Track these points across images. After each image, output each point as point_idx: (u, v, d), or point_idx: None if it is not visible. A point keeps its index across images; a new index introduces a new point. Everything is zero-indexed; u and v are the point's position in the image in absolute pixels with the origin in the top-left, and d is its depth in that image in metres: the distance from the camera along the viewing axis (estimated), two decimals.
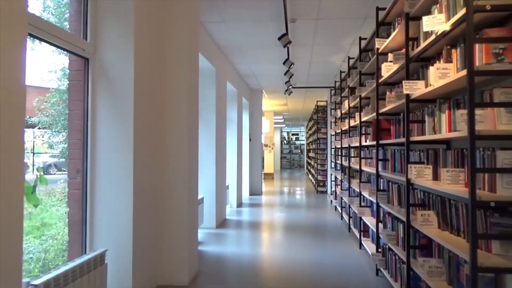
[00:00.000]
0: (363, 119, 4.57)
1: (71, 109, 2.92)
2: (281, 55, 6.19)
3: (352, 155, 5.82)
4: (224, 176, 6.73)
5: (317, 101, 11.03)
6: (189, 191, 3.66)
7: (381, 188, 3.82)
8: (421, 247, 2.77)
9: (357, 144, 5.10)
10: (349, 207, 5.71)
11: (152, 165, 3.34)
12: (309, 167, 16.71)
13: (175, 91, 3.60)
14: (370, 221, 4.36)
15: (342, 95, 6.62)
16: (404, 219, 2.88)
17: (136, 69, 2.96)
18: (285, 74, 6.74)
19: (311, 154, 14.74)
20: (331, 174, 8.48)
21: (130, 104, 2.91)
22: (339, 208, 7.20)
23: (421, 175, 2.62)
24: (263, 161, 16.56)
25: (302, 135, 25.75)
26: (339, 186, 7.66)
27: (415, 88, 2.70)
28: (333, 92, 8.72)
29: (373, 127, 3.79)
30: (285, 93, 9.49)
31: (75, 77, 2.92)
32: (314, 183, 12.27)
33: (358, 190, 4.78)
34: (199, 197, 5.53)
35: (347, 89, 5.85)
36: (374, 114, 3.90)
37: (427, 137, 2.60)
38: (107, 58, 2.91)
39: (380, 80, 3.74)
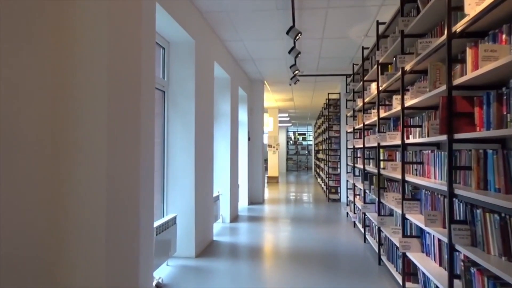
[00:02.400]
0: (410, 103, 2.98)
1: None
2: (285, 28, 4.61)
3: (383, 158, 4.22)
4: (211, 185, 5.17)
5: (328, 94, 9.43)
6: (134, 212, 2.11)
7: (459, 219, 2.22)
8: None
9: (395, 142, 3.51)
10: (379, 230, 4.11)
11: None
12: (317, 170, 15.09)
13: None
14: (423, 262, 2.76)
15: (366, 78, 5.03)
16: None
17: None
18: (289, 52, 5.15)
19: (320, 156, 13.12)
20: (347, 181, 6.90)
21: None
22: (359, 226, 5.60)
23: None
24: (266, 163, 15.00)
25: (309, 135, 24.12)
26: (358, 197, 6.06)
27: None
28: (349, 80, 7.10)
29: (442, 110, 2.19)
30: (290, 83, 7.90)
31: None
32: (325, 189, 10.65)
33: (400, 212, 3.18)
34: (169, 217, 3.97)
35: (375, 66, 4.26)
36: (442, 89, 2.30)
37: None
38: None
39: (457, 29, 2.13)
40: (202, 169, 4.64)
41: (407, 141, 3.18)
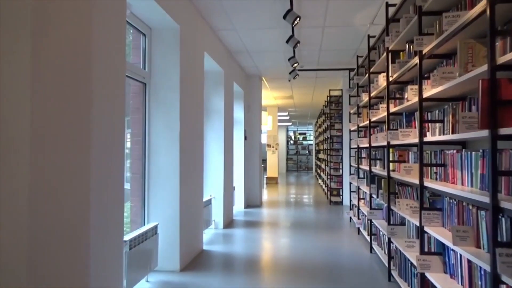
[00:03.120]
0: (430, 93, 2.47)
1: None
2: (282, 14, 4.11)
3: (393, 159, 3.71)
4: (200, 188, 4.66)
5: (329, 91, 8.92)
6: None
7: (505, 240, 1.71)
8: None
9: (409, 140, 3.00)
10: (389, 241, 3.60)
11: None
12: (318, 171, 14.58)
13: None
14: (447, 286, 2.26)
15: (372, 70, 4.52)
16: None
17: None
18: (287, 41, 4.65)
19: (321, 156, 12.61)
20: (350, 183, 6.40)
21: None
22: (364, 233, 5.09)
23: None
24: (265, 163, 14.50)
25: (310, 135, 23.61)
26: (363, 201, 5.55)
27: None
28: (353, 74, 6.59)
29: (482, 98, 1.68)
30: (289, 79, 7.40)
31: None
32: (326, 190, 10.14)
33: (417, 223, 2.67)
34: (148, 227, 3.46)
35: (384, 55, 3.74)
36: (480, 70, 1.79)
37: None
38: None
39: None
40: (189, 171, 4.14)
41: (426, 139, 2.67)
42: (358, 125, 5.54)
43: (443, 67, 2.35)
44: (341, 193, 8.60)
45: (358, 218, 5.54)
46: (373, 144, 4.41)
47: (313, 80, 8.80)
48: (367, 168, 4.75)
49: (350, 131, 6.61)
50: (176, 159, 3.80)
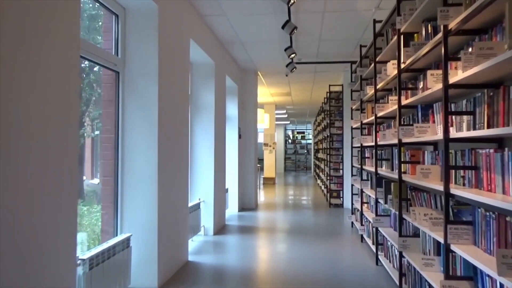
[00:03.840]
0: (461, 77, 1.96)
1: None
2: None
3: (405, 159, 3.21)
4: (184, 192, 4.15)
5: (329, 86, 8.41)
6: None
7: None
8: None
9: (428, 138, 2.50)
10: (401, 255, 3.09)
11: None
12: (317, 171, 14.08)
13: None
14: None
15: (379, 59, 4.01)
16: None
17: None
18: (283, 26, 4.14)
19: (320, 155, 12.11)
20: (351, 185, 5.89)
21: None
22: (368, 242, 4.59)
23: None
24: (262, 163, 14.01)
25: (308, 134, 23.11)
26: (367, 205, 5.05)
27: None
28: (355, 67, 6.09)
29: None
30: (287, 73, 6.90)
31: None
32: (325, 192, 9.64)
33: (441, 239, 2.16)
34: (118, 239, 2.95)
35: (394, 39, 3.23)
36: None
37: None
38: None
39: None
40: (170, 173, 3.62)
41: (452, 136, 2.16)
42: (361, 122, 5.04)
43: (480, 42, 1.84)
44: (341, 195, 8.10)
45: (362, 224, 5.04)
46: (380, 143, 3.90)
47: (311, 75, 8.29)
48: (373, 169, 4.25)
49: (352, 128, 6.11)
50: (153, 159, 3.29)
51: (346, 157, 7.78)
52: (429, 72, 2.37)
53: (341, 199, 8.10)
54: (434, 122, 2.63)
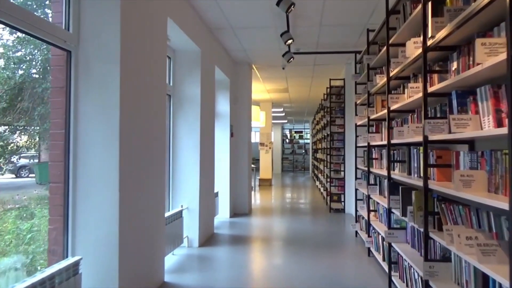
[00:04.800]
0: None
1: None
2: None
3: (432, 163, 2.54)
4: (160, 198, 3.46)
5: (330, 80, 7.75)
6: None
7: None
8: None
9: (473, 133, 1.84)
10: (427, 284, 2.42)
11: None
12: (316, 171, 13.42)
13: None
14: None
15: (393, 41, 3.35)
16: None
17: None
18: (277, 3, 3.47)
19: (319, 156, 11.45)
20: (356, 189, 5.24)
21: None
22: (377, 256, 3.93)
23: None
24: (257, 163, 13.35)
25: (306, 133, 22.47)
26: (375, 213, 4.39)
27: None
28: (359, 57, 5.41)
29: None
30: (283, 66, 6.26)
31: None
32: (325, 195, 8.99)
33: (504, 282, 1.50)
34: (61, 266, 2.27)
35: (418, 9, 2.57)
36: None
37: None
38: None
39: None
40: (138, 177, 2.95)
41: None
42: (368, 118, 4.38)
43: None
44: (342, 199, 7.44)
45: (368, 235, 4.38)
46: (394, 141, 3.24)
47: (310, 69, 7.63)
48: (383, 172, 3.59)
49: (356, 126, 5.44)
50: (114, 160, 2.61)
51: (348, 158, 7.13)
52: (479, 42, 1.71)
53: (343, 203, 7.44)
54: (476, 113, 1.97)
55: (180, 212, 4.42)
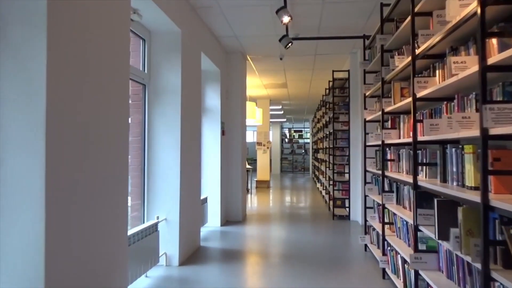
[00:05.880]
0: None
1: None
2: None
3: (493, 168, 1.77)
4: (122, 212, 2.69)
5: (333, 72, 6.98)
6: None
7: None
8: None
9: None
10: None
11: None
12: (316, 173, 12.67)
13: None
14: None
15: (419, 9, 2.59)
16: None
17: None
18: None
19: (320, 156, 10.69)
20: (365, 196, 4.48)
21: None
22: (396, 282, 3.16)
23: None
24: (254, 164, 12.62)
25: (306, 132, 21.73)
26: (390, 226, 3.64)
27: None
28: (369, 41, 4.64)
29: None
30: (281, 56, 5.52)
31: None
32: (327, 199, 8.23)
33: None
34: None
35: None
36: None
37: None
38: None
39: None
40: (82, 183, 2.18)
41: None
42: (382, 111, 3.62)
43: None
44: (347, 205, 6.68)
45: (383, 254, 3.62)
46: (424, 138, 2.48)
47: (311, 59, 6.86)
48: (403, 178, 2.84)
49: (365, 121, 4.68)
50: (38, 161, 1.85)
51: (354, 159, 6.37)
52: None
53: (347, 209, 6.67)
54: None
55: (155, 225, 3.65)
